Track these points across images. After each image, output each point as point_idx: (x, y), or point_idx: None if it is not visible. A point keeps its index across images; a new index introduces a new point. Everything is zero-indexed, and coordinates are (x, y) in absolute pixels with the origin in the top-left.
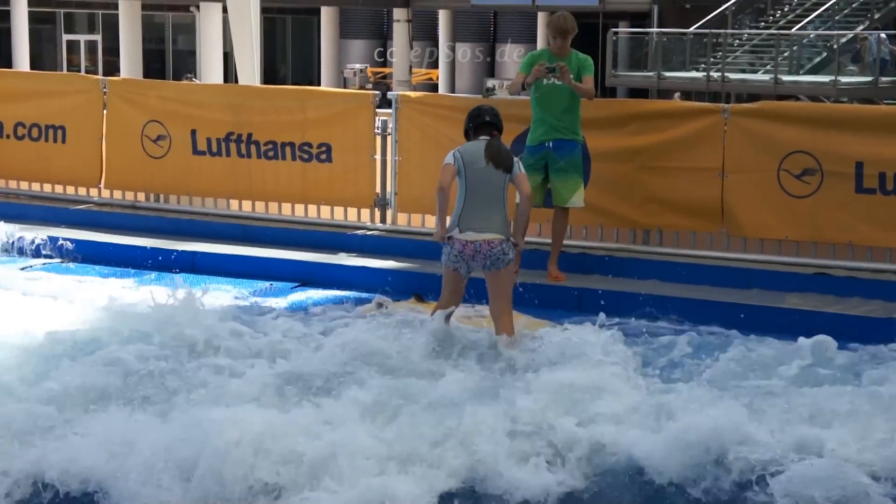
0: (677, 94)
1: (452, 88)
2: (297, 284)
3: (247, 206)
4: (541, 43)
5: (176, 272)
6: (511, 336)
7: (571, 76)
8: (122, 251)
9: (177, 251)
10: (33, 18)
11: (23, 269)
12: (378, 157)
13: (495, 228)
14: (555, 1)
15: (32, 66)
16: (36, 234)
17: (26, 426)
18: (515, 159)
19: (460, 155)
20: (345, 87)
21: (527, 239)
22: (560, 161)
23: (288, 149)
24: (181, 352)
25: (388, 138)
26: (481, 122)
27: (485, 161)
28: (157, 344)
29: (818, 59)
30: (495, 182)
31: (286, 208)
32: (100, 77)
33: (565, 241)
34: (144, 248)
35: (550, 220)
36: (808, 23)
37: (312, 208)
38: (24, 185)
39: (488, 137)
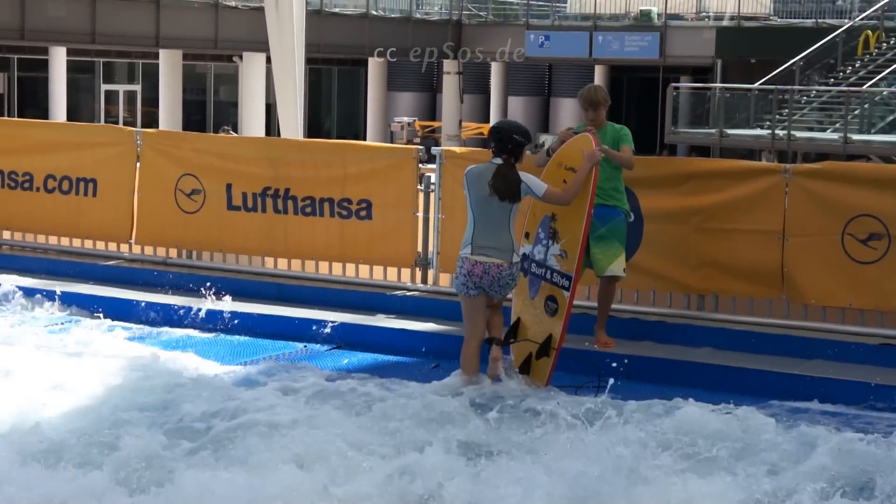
0: (771, 155)
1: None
2: (332, 347)
3: (282, 264)
4: None
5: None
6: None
7: (598, 139)
8: (151, 309)
9: (208, 311)
10: (71, 68)
11: (48, 326)
12: (420, 214)
13: (503, 255)
14: (612, 53)
15: (69, 117)
16: (63, 290)
17: None
18: (524, 181)
19: (467, 177)
20: (392, 141)
21: (577, 303)
22: (601, 228)
23: (326, 205)
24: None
25: (432, 195)
26: (494, 141)
27: (489, 190)
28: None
29: (891, 118)
30: (499, 210)
31: (323, 267)
32: (134, 129)
33: (616, 306)
34: (175, 306)
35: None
36: (880, 79)
37: (350, 267)
38: (52, 240)
39: (500, 161)
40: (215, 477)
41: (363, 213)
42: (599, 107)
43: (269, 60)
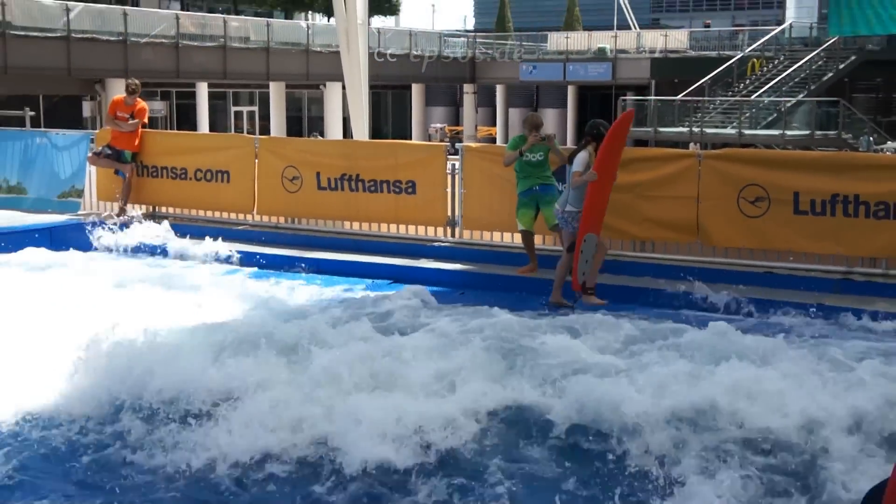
0: (696, 145)
1: (506, 140)
2: (390, 281)
3: (356, 226)
4: (570, 106)
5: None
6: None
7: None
8: (269, 258)
9: (307, 258)
10: (211, 96)
11: (204, 267)
12: (449, 190)
13: (560, 203)
14: (579, 77)
15: (210, 130)
16: (209, 245)
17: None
18: (577, 157)
19: None
20: (429, 140)
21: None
22: (546, 196)
23: (385, 185)
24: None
25: (457, 177)
26: (588, 129)
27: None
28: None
29: (770, 119)
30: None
31: (383, 227)
32: (253, 136)
33: None
34: (284, 255)
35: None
36: (763, 92)
37: (402, 227)
38: (201, 213)
39: (584, 142)
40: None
41: (410, 190)
42: (540, 127)
43: (344, 87)
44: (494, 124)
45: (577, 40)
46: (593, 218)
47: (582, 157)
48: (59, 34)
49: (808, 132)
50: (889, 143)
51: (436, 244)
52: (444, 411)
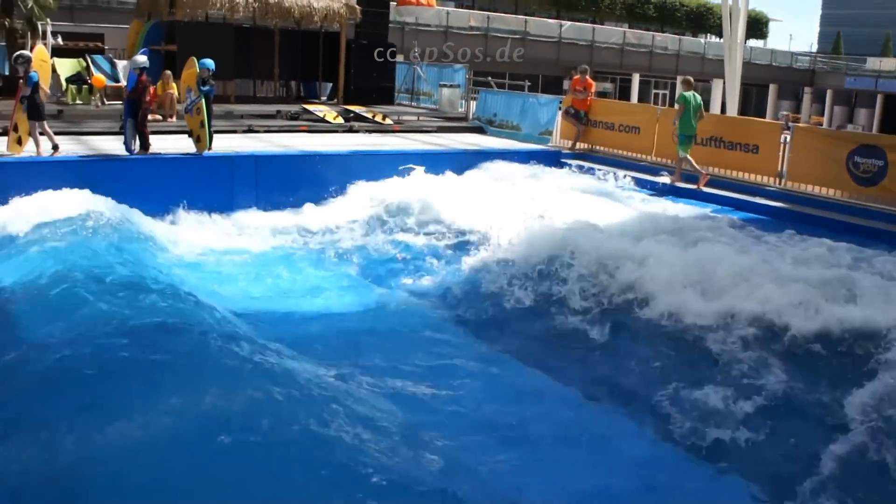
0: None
1: (830, 124)
2: (732, 209)
3: (715, 170)
4: (878, 107)
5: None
6: None
7: None
8: (657, 185)
9: (682, 188)
10: (641, 83)
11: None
12: (780, 154)
13: None
14: (887, 88)
15: (639, 100)
16: (625, 172)
17: None
18: None
19: None
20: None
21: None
22: None
23: (738, 145)
24: None
25: (787, 145)
26: None
27: None
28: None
29: None
30: None
31: (733, 173)
32: (656, 107)
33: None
34: (666, 183)
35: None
36: None
37: (746, 174)
38: (619, 151)
39: None
40: None
41: (754, 150)
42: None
43: (724, 83)
44: (822, 115)
45: (888, 63)
46: None
47: None
48: (553, 40)
49: None
50: None
51: (766, 188)
52: None
